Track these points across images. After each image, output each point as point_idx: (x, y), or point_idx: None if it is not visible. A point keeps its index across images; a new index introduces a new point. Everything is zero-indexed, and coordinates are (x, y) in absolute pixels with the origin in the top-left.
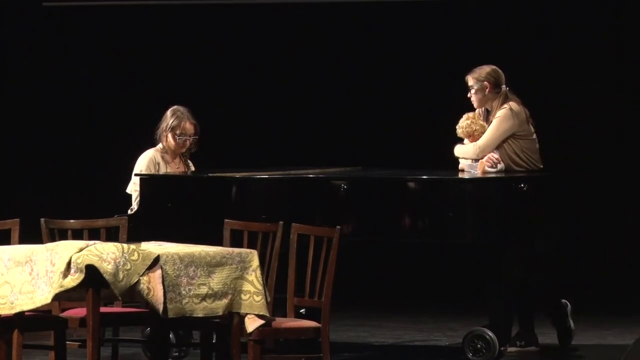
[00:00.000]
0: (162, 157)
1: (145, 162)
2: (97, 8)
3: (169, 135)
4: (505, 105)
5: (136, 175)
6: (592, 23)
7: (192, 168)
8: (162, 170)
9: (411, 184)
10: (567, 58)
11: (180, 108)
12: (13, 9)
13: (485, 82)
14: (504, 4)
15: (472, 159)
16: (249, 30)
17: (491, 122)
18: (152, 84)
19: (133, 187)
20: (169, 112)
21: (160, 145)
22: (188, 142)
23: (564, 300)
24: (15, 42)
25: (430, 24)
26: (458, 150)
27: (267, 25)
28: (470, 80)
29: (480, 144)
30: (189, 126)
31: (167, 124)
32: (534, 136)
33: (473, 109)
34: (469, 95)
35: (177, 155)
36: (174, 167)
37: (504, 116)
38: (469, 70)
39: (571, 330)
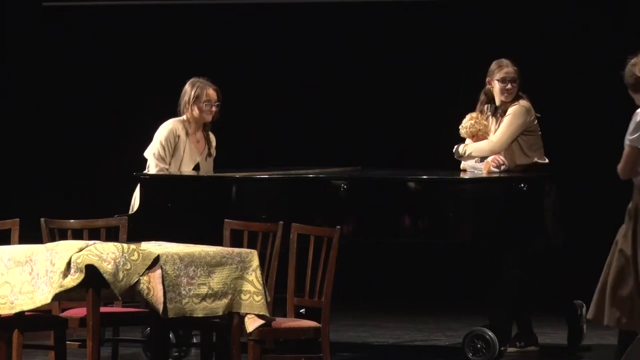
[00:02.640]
0: (184, 129)
1: (165, 132)
2: (97, 8)
3: (194, 107)
4: (517, 102)
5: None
6: (594, 22)
7: (213, 142)
8: (182, 143)
9: (411, 184)
10: (567, 57)
11: (199, 78)
12: (13, 9)
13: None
14: (504, 4)
15: (487, 156)
16: (248, 30)
17: (500, 118)
18: (153, 83)
19: (150, 152)
20: (188, 86)
21: (183, 117)
22: (214, 108)
23: (578, 301)
24: (15, 42)
25: (430, 24)
26: (472, 147)
27: (267, 25)
28: (516, 73)
29: (495, 139)
30: (212, 92)
31: (190, 96)
32: (539, 132)
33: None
34: (508, 87)
35: (200, 127)
36: (194, 141)
37: (518, 113)
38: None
39: (583, 331)
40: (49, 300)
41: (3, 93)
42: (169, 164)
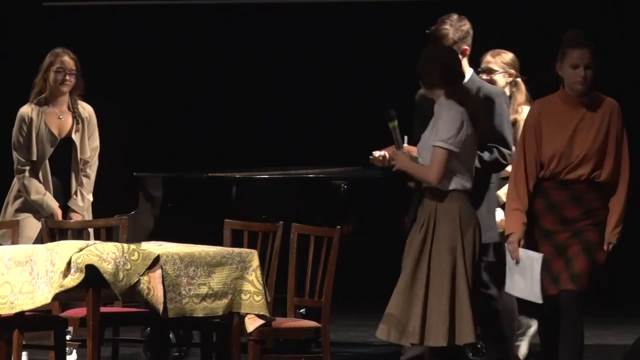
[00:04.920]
0: (39, 110)
1: (17, 122)
2: (97, 8)
3: (48, 76)
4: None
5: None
6: (596, 21)
7: (86, 113)
8: (35, 124)
9: (411, 184)
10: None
11: (58, 48)
12: (13, 9)
13: None
14: (502, 3)
15: None
16: (249, 30)
17: None
18: (153, 83)
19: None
20: (47, 56)
21: (42, 96)
22: (68, 77)
23: None
24: (16, 42)
25: (429, 24)
26: None
27: (268, 25)
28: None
29: None
30: (67, 59)
31: (43, 65)
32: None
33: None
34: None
35: (64, 100)
36: (54, 118)
37: None
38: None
39: None
40: (49, 300)
41: (3, 92)
42: (29, 151)
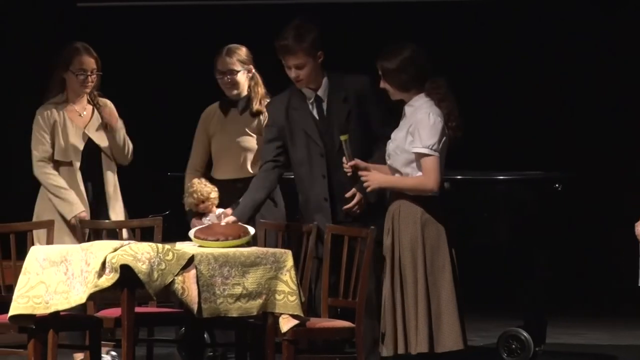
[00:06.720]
0: (60, 108)
1: (35, 126)
2: (132, 8)
3: (66, 75)
4: None
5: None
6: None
7: (107, 108)
8: (60, 124)
9: (445, 184)
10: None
11: (77, 43)
12: (47, 10)
13: None
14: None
15: None
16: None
17: None
18: (189, 83)
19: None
20: (64, 51)
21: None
22: (91, 79)
23: None
24: (50, 42)
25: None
26: None
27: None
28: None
29: None
30: (88, 59)
31: (61, 62)
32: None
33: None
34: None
35: (82, 97)
36: (76, 115)
37: None
38: None
39: None
40: (83, 300)
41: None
42: (53, 150)
